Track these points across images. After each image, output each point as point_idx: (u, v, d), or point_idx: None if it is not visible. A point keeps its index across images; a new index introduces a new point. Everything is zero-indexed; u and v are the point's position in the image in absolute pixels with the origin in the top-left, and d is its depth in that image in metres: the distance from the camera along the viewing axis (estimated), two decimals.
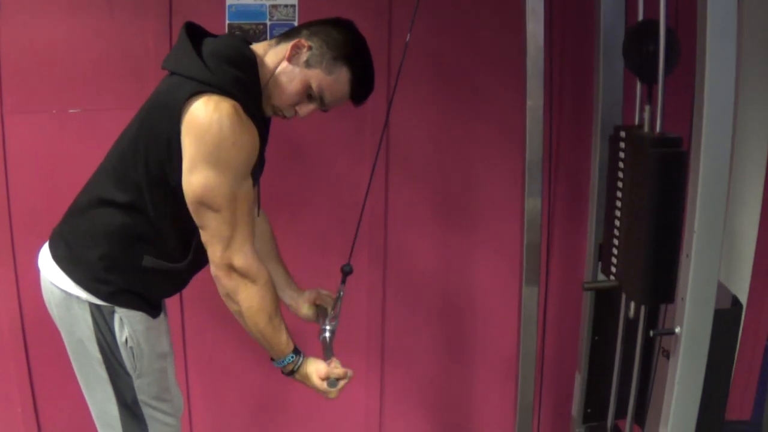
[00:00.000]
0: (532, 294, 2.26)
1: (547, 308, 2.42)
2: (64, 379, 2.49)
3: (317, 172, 2.52)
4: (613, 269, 2.03)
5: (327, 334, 1.93)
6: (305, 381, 1.82)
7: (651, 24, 1.81)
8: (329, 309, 2.01)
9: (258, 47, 1.75)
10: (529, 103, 2.11)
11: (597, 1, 2.09)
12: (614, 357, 2.19)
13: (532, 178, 2.17)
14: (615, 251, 2.01)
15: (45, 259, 1.82)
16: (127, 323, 1.77)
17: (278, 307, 1.78)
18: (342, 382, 1.81)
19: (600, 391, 2.31)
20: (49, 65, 2.37)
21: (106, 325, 1.76)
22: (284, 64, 1.72)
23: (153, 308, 1.83)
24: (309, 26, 1.75)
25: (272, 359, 1.82)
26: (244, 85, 1.68)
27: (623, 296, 2.09)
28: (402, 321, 2.71)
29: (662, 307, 2.01)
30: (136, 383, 1.82)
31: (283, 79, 1.72)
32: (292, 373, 1.82)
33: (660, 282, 1.86)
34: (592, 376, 2.32)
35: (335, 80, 1.73)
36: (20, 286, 2.50)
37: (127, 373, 1.80)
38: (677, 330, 1.76)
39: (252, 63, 1.71)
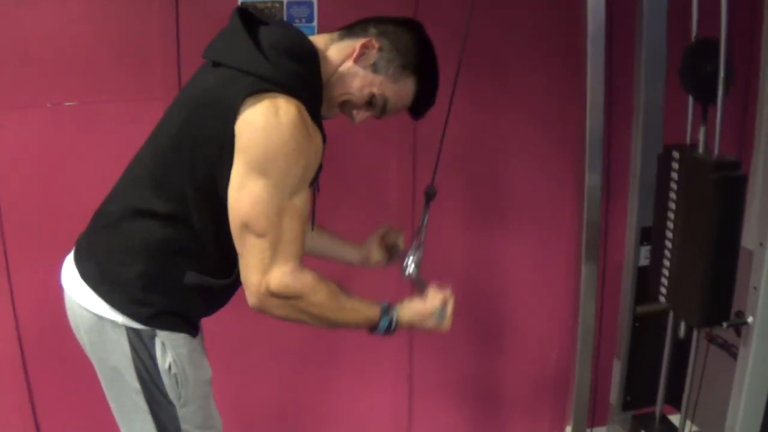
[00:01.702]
0: (592, 272, 2.17)
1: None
2: (67, 398, 2.34)
3: (343, 162, 2.37)
4: (663, 290, 1.99)
5: (412, 268, 1.78)
6: (413, 328, 1.67)
7: (710, 43, 1.76)
8: (399, 242, 1.88)
9: (318, 40, 1.58)
10: (590, 84, 2.00)
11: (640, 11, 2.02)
12: (656, 344, 2.17)
13: (593, 154, 2.07)
14: (665, 272, 1.97)
15: (71, 278, 1.63)
16: (170, 347, 1.60)
17: (338, 292, 1.58)
18: (449, 307, 1.66)
19: (640, 379, 2.27)
20: (41, 54, 2.11)
21: (146, 351, 1.58)
22: (349, 63, 1.56)
23: (193, 328, 1.66)
24: (377, 24, 1.59)
25: (369, 331, 1.65)
26: (308, 83, 1.51)
27: (671, 316, 2.09)
28: None
29: None
30: (180, 412, 1.64)
31: (348, 80, 1.57)
32: (393, 331, 1.64)
33: (717, 305, 1.85)
34: (632, 363, 2.28)
35: (400, 89, 1.60)
36: (15, 295, 2.30)
37: (171, 402, 1.63)
38: (750, 320, 1.73)
39: (315, 58, 1.54)
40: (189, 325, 1.64)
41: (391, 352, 2.57)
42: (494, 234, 2.59)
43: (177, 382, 1.62)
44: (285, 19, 2.09)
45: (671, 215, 1.94)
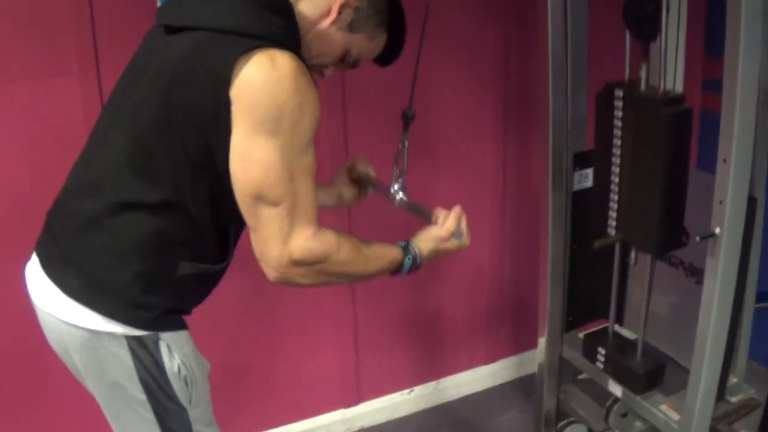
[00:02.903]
0: (560, 198, 2.19)
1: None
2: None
3: None
4: (612, 223, 2.10)
5: (400, 195, 1.75)
6: (437, 256, 1.63)
7: None
8: (370, 172, 1.84)
9: None
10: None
11: None
12: (593, 265, 2.28)
13: (556, 79, 2.08)
14: (613, 206, 2.07)
15: (48, 295, 1.46)
16: (175, 349, 1.49)
17: (359, 244, 1.51)
18: (463, 223, 1.63)
19: (580, 299, 2.37)
20: None
21: (151, 358, 1.46)
22: (326, 23, 1.47)
23: (185, 322, 1.56)
24: None
25: (394, 274, 1.60)
26: (290, 36, 1.41)
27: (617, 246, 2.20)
28: None
29: None
30: (192, 414, 1.54)
31: (325, 41, 1.49)
32: (419, 266, 1.61)
33: (673, 233, 1.99)
34: (572, 285, 2.37)
35: (375, 45, 1.57)
36: None
37: (181, 407, 1.52)
38: (717, 231, 1.84)
39: (292, 12, 1.44)
40: (184, 320, 1.54)
41: (333, 305, 2.55)
42: (424, 172, 2.58)
43: (187, 384, 1.52)
44: None
45: (615, 151, 2.01)
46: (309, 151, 1.38)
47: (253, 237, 1.41)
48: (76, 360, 1.48)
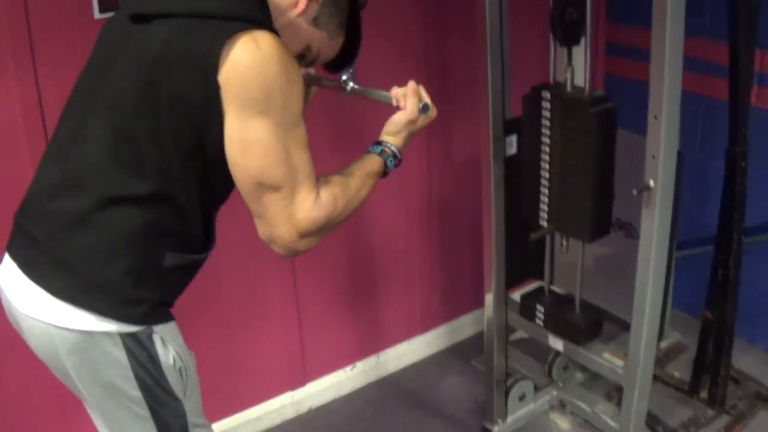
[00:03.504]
0: (499, 167, 2.27)
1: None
2: None
3: None
4: (545, 215, 2.27)
5: (351, 84, 1.71)
6: (412, 138, 1.59)
7: None
8: (310, 71, 1.77)
9: None
10: None
11: None
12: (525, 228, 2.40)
13: (494, 49, 2.14)
14: (544, 199, 2.25)
15: (34, 301, 1.40)
16: (169, 341, 1.47)
17: (345, 181, 1.48)
18: (424, 96, 1.57)
19: (513, 260, 2.47)
20: None
21: (146, 353, 1.43)
22: (293, 14, 1.46)
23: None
24: None
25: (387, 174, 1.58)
26: (267, 19, 1.41)
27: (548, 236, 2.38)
28: None
29: None
30: (187, 406, 1.52)
31: (290, 32, 1.47)
32: (401, 158, 1.58)
33: (603, 219, 2.20)
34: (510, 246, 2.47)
35: (334, 45, 1.56)
36: None
37: (177, 399, 1.50)
38: (651, 183, 1.97)
39: None
40: (171, 312, 1.52)
41: (275, 287, 2.55)
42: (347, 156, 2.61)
43: (181, 376, 1.50)
44: None
45: (545, 148, 2.18)
46: (300, 124, 1.39)
47: (257, 222, 1.42)
48: (67, 364, 1.43)
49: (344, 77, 1.72)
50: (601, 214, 2.18)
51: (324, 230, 1.45)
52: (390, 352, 2.93)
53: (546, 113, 2.14)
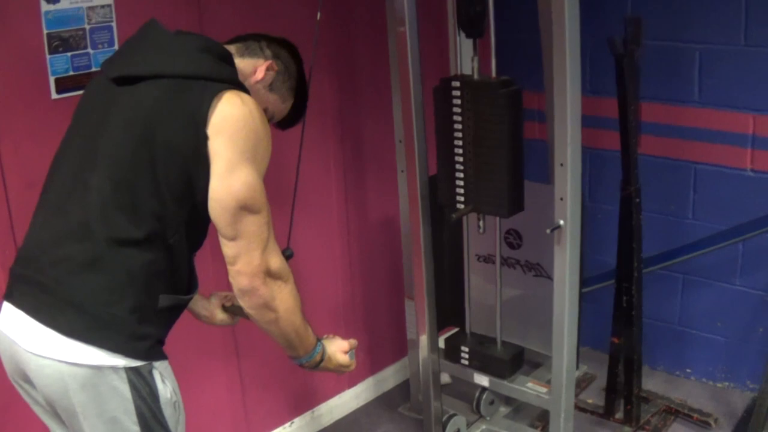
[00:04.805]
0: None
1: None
2: None
3: None
4: (461, 198, 2.42)
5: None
6: (329, 365, 1.82)
7: None
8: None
9: (230, 48, 1.69)
10: None
11: None
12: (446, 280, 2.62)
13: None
14: (461, 183, 2.40)
15: (44, 342, 1.48)
16: (166, 376, 1.58)
17: (299, 303, 1.70)
18: (353, 348, 1.87)
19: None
20: None
21: (147, 387, 1.53)
22: (253, 79, 1.69)
23: None
24: (269, 44, 1.74)
25: (297, 358, 1.76)
26: (240, 84, 1.62)
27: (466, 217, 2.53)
28: None
29: None
30: None
31: (252, 95, 1.65)
32: (318, 363, 1.79)
33: (518, 196, 2.36)
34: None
35: (285, 107, 1.79)
36: None
37: None
38: (561, 223, 2.23)
39: (234, 64, 1.66)
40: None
41: (218, 338, 2.64)
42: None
43: (175, 410, 1.61)
44: (88, 45, 2.04)
45: (457, 134, 2.34)
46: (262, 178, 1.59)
47: (231, 247, 1.55)
48: (74, 401, 1.51)
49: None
50: (517, 191, 2.34)
51: (277, 288, 1.60)
52: (323, 407, 3.05)
53: (457, 101, 2.31)
